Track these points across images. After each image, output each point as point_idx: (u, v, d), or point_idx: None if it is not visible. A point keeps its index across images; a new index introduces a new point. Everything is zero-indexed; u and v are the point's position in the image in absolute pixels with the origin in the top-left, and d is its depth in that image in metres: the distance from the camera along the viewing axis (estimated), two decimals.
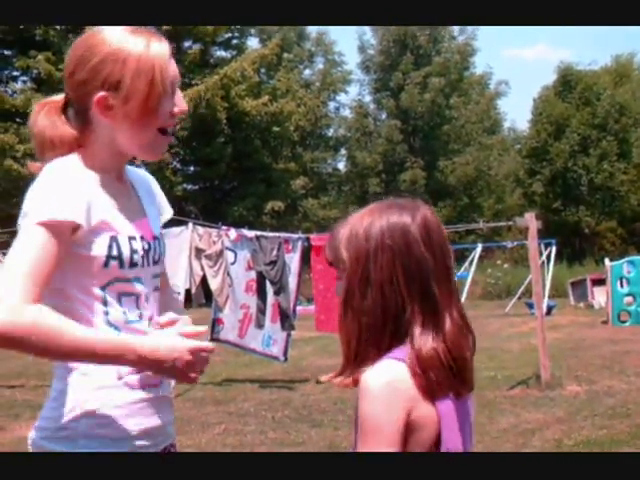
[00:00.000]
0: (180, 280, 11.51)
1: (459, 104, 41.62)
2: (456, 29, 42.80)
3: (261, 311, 11.43)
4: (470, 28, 42.17)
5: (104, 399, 2.24)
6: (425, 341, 1.91)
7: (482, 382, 10.92)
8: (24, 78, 32.78)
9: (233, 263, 11.60)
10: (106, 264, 2.24)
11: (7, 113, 29.12)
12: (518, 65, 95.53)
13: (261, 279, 11.39)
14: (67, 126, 2.38)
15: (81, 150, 2.35)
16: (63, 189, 2.18)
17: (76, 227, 2.17)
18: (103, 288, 2.26)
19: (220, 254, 11.50)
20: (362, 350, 1.96)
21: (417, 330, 1.92)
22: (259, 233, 11.86)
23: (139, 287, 2.35)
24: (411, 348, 1.90)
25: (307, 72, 46.62)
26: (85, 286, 2.24)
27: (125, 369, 2.25)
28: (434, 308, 1.95)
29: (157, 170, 29.57)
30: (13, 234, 2.17)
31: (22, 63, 30.22)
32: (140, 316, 2.34)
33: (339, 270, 2.04)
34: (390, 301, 1.94)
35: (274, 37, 38.96)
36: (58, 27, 30.96)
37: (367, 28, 42.92)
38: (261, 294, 11.41)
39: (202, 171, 32.69)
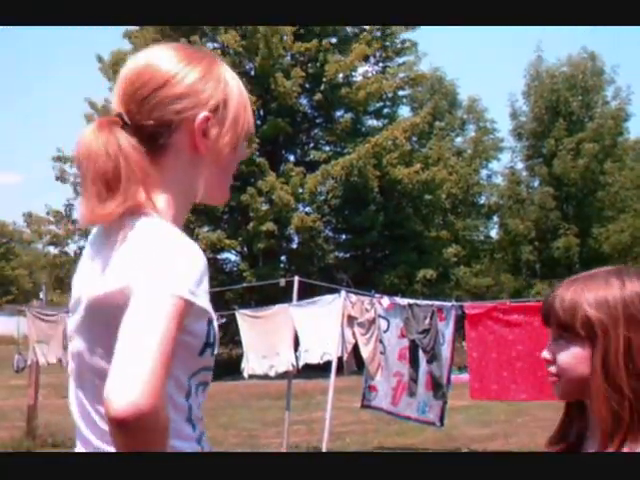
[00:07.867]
0: (332, 348, 11.54)
1: (613, 170, 40.68)
2: (610, 94, 42.13)
3: (413, 380, 11.32)
4: (624, 93, 41.43)
5: None
6: None
7: None
8: None
9: (386, 331, 11.56)
10: (202, 352, 1.84)
11: None
12: None
13: (413, 347, 11.30)
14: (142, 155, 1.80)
15: (153, 196, 1.82)
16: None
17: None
18: (190, 378, 1.85)
19: (373, 322, 11.48)
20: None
21: None
22: (412, 301, 11.82)
23: (211, 375, 1.95)
24: None
25: (459, 140, 46.51)
26: (175, 376, 1.76)
27: None
28: None
29: (309, 239, 29.90)
30: None
31: None
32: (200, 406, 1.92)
33: (566, 334, 1.93)
34: None
35: (425, 105, 39.14)
36: None
37: (519, 94, 42.65)
38: (413, 362, 11.32)
39: (354, 239, 32.77)
